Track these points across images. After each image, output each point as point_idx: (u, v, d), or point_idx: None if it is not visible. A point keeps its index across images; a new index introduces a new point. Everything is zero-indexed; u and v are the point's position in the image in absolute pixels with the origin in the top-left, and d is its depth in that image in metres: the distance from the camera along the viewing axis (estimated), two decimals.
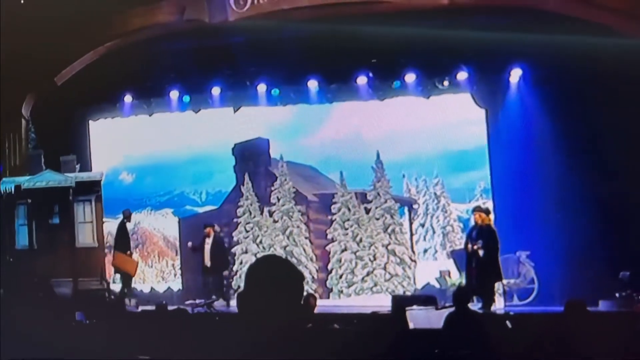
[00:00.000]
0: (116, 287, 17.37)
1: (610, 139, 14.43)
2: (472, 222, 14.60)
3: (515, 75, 16.39)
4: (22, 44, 15.25)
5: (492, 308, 13.75)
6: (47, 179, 15.92)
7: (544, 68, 15.71)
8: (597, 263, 14.31)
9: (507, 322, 10.77)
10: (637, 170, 13.84)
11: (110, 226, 19.09)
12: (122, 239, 16.94)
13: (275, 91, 17.45)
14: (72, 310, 11.81)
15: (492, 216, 14.67)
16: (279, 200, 18.41)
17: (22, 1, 15.63)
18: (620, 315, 12.23)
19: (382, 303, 14.81)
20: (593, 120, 14.92)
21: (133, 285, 17.71)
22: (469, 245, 14.00)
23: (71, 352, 6.76)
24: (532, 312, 14.06)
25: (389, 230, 17.96)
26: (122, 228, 17.08)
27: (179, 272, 19.76)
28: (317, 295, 15.53)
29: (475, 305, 12.92)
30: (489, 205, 16.36)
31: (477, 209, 14.61)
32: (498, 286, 14.67)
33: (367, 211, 18.14)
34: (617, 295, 13.47)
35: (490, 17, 14.23)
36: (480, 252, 13.75)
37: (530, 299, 15.44)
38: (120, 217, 17.50)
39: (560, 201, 15.50)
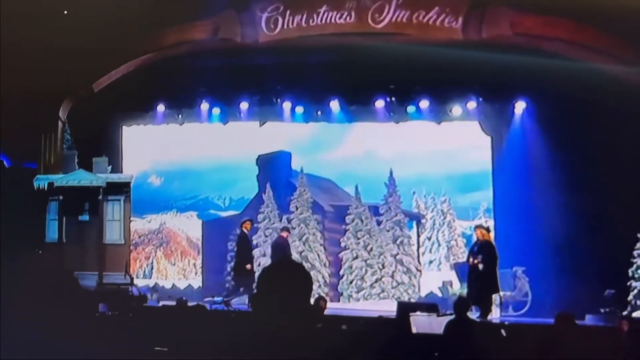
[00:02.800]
0: (139, 282, 17.64)
1: (602, 169, 15.05)
2: (475, 238, 15.04)
3: (520, 107, 17.18)
4: (64, 51, 15.45)
5: (489, 317, 13.96)
6: (79, 177, 16.06)
7: (546, 102, 16.45)
8: (585, 281, 14.85)
9: (502, 331, 10.99)
10: (625, 199, 14.48)
11: (137, 225, 19.79)
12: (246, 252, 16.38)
13: (299, 109, 17.95)
14: (96, 302, 12.00)
15: (492, 234, 15.18)
16: (297, 208, 18.98)
17: (65, 12, 15.94)
18: (605, 329, 12.46)
19: (388, 308, 15.14)
20: (587, 150, 15.58)
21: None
22: (471, 259, 14.40)
23: (91, 342, 6.47)
24: (525, 322, 14.50)
25: (398, 241, 18.61)
26: (243, 239, 16.51)
27: (199, 270, 20.21)
28: (327, 298, 15.84)
29: (473, 314, 13.09)
30: (491, 224, 16.99)
31: (479, 227, 15.01)
32: (495, 297, 14.86)
33: (379, 223, 18.78)
34: (602, 310, 14.16)
35: (500, 54, 14.67)
36: (480, 266, 14.11)
37: (524, 310, 16.06)
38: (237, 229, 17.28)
39: (554, 224, 16.05)
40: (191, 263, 20.98)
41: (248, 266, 15.94)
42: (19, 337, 5.35)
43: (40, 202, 16.03)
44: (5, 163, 16.57)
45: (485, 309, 14.00)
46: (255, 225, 19.06)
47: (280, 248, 16.17)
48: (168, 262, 21.21)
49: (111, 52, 16.38)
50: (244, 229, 16.45)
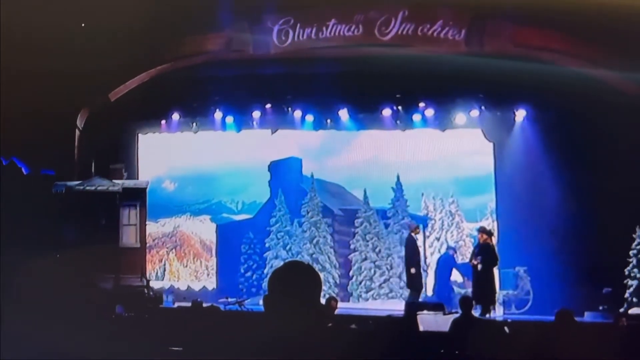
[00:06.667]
0: (153, 284, 17.94)
1: (598, 173, 15.42)
2: (477, 241, 15.72)
3: (520, 115, 17.74)
4: (81, 62, 15.64)
5: (493, 315, 14.57)
6: (96, 184, 16.57)
7: (545, 110, 17.05)
8: (584, 280, 15.34)
9: (505, 328, 11.18)
10: (621, 202, 14.82)
11: (151, 228, 19.94)
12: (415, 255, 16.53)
13: (309, 117, 18.49)
14: (113, 304, 12.42)
15: (493, 237, 15.78)
16: (308, 212, 19.30)
17: (82, 25, 16.25)
18: (603, 326, 12.85)
19: (396, 307, 15.59)
20: (583, 154, 16.08)
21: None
22: (472, 260, 15.24)
23: (109, 342, 6.88)
24: (527, 320, 14.83)
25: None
26: (411, 242, 16.60)
27: (212, 272, 20.44)
28: (338, 298, 15.70)
29: (477, 312, 13.62)
30: (494, 225, 17.50)
31: (480, 230, 15.72)
32: (498, 296, 15.63)
33: (386, 226, 19.08)
34: (600, 308, 14.70)
35: (501, 65, 15.00)
36: (479, 267, 14.91)
37: (526, 308, 16.44)
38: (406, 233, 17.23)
39: (554, 225, 16.59)
40: (203, 265, 21.00)
41: (412, 270, 16.18)
42: (38, 336, 5.98)
43: (58, 208, 16.22)
44: (23, 170, 16.90)
45: (486, 307, 14.57)
46: (267, 228, 19.61)
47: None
48: (180, 264, 21.21)
49: (127, 62, 16.78)
50: (412, 234, 16.65)
